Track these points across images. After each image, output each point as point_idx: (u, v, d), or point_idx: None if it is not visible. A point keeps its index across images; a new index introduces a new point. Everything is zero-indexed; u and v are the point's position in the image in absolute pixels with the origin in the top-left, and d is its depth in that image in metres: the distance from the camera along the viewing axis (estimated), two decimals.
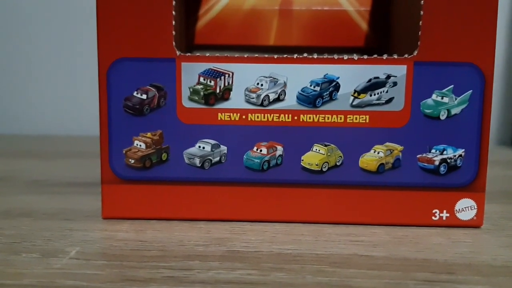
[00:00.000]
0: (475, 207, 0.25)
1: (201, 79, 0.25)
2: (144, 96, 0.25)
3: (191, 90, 0.25)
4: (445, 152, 0.25)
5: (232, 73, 0.25)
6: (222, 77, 0.25)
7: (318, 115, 0.25)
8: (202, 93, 0.25)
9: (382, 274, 0.20)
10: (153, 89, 0.25)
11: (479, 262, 0.21)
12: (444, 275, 0.20)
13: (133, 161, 0.25)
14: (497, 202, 0.30)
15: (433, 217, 0.25)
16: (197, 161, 0.25)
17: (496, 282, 0.19)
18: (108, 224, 0.25)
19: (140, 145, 0.25)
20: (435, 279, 0.19)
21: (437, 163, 0.25)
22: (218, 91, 0.25)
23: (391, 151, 0.25)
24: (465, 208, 0.25)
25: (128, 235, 0.24)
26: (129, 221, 0.26)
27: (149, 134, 0.25)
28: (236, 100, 0.25)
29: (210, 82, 0.25)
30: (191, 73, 0.25)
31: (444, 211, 0.25)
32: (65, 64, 0.60)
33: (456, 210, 0.25)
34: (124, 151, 0.25)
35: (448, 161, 0.25)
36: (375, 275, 0.20)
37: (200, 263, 0.20)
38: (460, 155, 0.25)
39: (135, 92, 0.25)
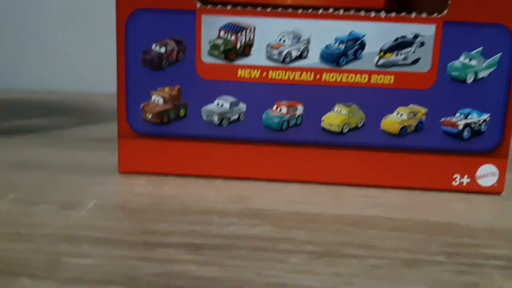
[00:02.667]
0: (497, 174, 0.25)
1: (222, 33, 0.24)
2: (163, 50, 0.24)
3: (211, 44, 0.24)
4: (469, 117, 0.24)
5: (254, 28, 0.24)
6: (243, 32, 0.24)
7: (341, 74, 0.24)
8: (222, 48, 0.24)
9: (404, 236, 0.19)
10: (172, 42, 0.24)
11: (502, 228, 0.21)
12: (467, 239, 0.19)
13: (150, 116, 0.25)
14: None
15: (453, 182, 0.25)
16: (215, 118, 0.25)
17: None
18: (125, 178, 0.25)
19: (158, 100, 0.25)
20: (459, 242, 0.19)
21: (460, 127, 0.24)
22: (238, 46, 0.24)
23: (415, 113, 0.24)
24: (487, 174, 0.25)
25: (146, 189, 0.23)
26: (146, 176, 0.25)
27: (167, 89, 0.25)
28: (257, 56, 0.24)
29: (231, 36, 0.24)
30: (211, 27, 0.24)
31: (465, 176, 0.25)
32: (81, 16, 0.59)
33: (477, 176, 0.25)
34: (141, 106, 0.25)
35: (472, 125, 0.24)
36: (397, 237, 0.19)
37: (219, 218, 0.20)
38: (485, 120, 0.24)
39: (154, 45, 0.24)
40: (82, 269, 0.16)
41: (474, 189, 0.25)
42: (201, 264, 0.16)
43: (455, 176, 0.25)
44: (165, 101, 0.25)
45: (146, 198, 0.22)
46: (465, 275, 0.16)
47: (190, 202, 0.22)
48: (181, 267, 0.16)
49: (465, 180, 0.25)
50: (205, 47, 0.24)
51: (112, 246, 0.17)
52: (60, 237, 0.18)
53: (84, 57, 0.60)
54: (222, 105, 0.25)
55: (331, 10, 0.24)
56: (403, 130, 0.25)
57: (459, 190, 0.25)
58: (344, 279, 0.16)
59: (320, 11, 0.24)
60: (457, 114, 0.24)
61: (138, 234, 0.18)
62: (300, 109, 0.25)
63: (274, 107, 0.25)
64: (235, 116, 0.25)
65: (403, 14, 0.23)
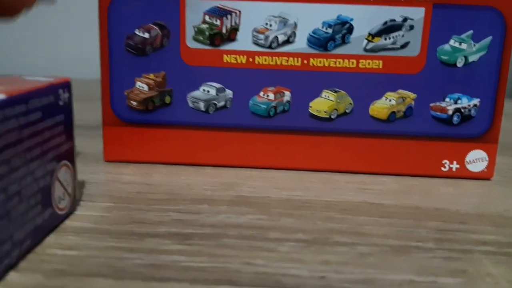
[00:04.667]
0: (487, 159, 0.25)
1: (207, 18, 0.24)
2: (147, 35, 0.24)
3: (195, 29, 0.24)
4: (459, 101, 0.24)
5: (240, 12, 0.24)
6: (229, 16, 0.24)
7: (329, 59, 0.24)
8: (207, 33, 0.24)
9: (393, 222, 0.19)
10: (156, 27, 0.24)
11: (490, 213, 0.21)
12: (456, 225, 0.19)
13: (135, 103, 0.24)
14: (506, 155, 0.29)
15: (442, 168, 0.25)
16: (201, 105, 0.24)
17: (509, 233, 0.19)
18: (112, 167, 0.24)
19: (143, 87, 0.24)
20: (448, 228, 0.19)
21: (450, 112, 0.24)
22: (224, 31, 0.24)
23: (404, 99, 0.24)
24: (476, 159, 0.25)
25: (134, 178, 0.23)
26: (134, 165, 0.25)
27: (151, 76, 0.24)
28: (243, 41, 0.24)
29: (216, 21, 0.24)
30: (196, 11, 0.24)
31: (454, 162, 0.25)
32: (63, 2, 0.58)
33: (467, 161, 0.25)
34: (125, 93, 0.24)
35: (462, 110, 0.24)
36: (386, 223, 0.19)
37: (208, 207, 0.20)
38: (475, 105, 0.24)
39: (137, 30, 0.24)
40: (68, 261, 0.15)
41: (464, 175, 0.25)
42: (190, 254, 0.16)
43: (444, 161, 0.25)
44: (150, 88, 0.24)
45: (135, 186, 0.22)
46: (454, 262, 0.16)
47: (179, 190, 0.22)
48: (169, 257, 0.16)
49: (455, 165, 0.25)
50: (189, 32, 0.24)
51: (99, 236, 0.17)
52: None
53: (67, 43, 0.58)
54: (208, 92, 0.24)
55: None
56: (392, 116, 0.24)
57: (449, 176, 0.25)
58: (333, 268, 0.16)
59: None
60: (447, 99, 0.24)
61: (126, 223, 0.18)
62: (287, 95, 0.24)
63: (261, 93, 0.24)
64: (222, 103, 0.24)
65: None
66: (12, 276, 0.14)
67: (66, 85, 0.17)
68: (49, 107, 0.16)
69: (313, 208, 0.20)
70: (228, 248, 0.17)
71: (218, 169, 0.25)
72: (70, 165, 0.18)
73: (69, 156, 0.18)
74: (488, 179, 0.25)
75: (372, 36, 0.23)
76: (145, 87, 0.24)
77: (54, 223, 0.17)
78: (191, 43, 0.24)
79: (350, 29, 0.23)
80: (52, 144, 0.17)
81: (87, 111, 0.38)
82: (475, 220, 0.20)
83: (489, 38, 0.23)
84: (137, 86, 0.24)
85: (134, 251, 0.16)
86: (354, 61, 0.24)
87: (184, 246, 0.17)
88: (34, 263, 0.15)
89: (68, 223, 0.18)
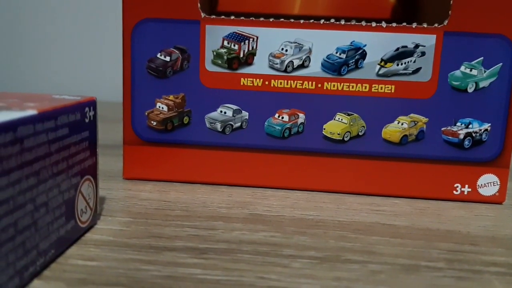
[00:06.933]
0: (498, 183, 0.25)
1: (225, 43, 0.25)
2: (168, 58, 0.25)
3: (214, 53, 0.25)
4: (470, 126, 0.24)
5: (257, 37, 0.25)
6: (246, 41, 0.25)
7: (342, 83, 0.25)
8: (225, 57, 0.25)
9: (405, 243, 0.20)
10: (176, 51, 0.25)
11: (502, 236, 0.21)
12: (467, 246, 0.20)
13: (155, 123, 0.25)
14: None
15: (454, 192, 0.25)
16: (218, 126, 0.25)
17: None
18: (131, 184, 0.25)
19: (162, 108, 0.25)
20: (459, 249, 0.19)
21: (461, 136, 0.24)
22: (241, 55, 0.25)
23: (416, 122, 0.25)
24: (488, 183, 0.25)
25: (152, 195, 0.24)
26: (152, 183, 0.26)
27: (171, 97, 0.25)
28: (260, 65, 0.25)
29: (234, 46, 0.25)
30: (215, 36, 0.25)
31: (466, 185, 0.25)
32: (88, 25, 0.60)
33: (479, 185, 0.25)
34: (146, 113, 0.25)
35: (473, 135, 0.24)
36: (398, 243, 0.20)
37: (223, 223, 0.20)
38: (486, 130, 0.24)
39: (159, 54, 0.25)
40: (89, 271, 0.16)
41: (475, 199, 0.25)
42: (205, 268, 0.17)
43: (456, 185, 0.25)
44: (169, 109, 0.25)
45: (152, 203, 0.23)
46: (464, 281, 0.17)
47: (196, 207, 0.22)
48: (185, 270, 0.16)
49: (466, 189, 0.25)
50: (209, 56, 0.25)
51: (119, 249, 0.18)
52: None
53: (91, 65, 0.60)
54: (225, 113, 0.25)
55: (332, 20, 0.24)
56: (404, 139, 0.25)
57: (460, 199, 0.25)
58: (344, 284, 0.16)
59: (322, 21, 0.24)
60: (458, 124, 0.24)
61: (144, 237, 0.19)
62: (301, 117, 0.25)
63: (276, 115, 0.25)
64: (238, 124, 0.25)
65: (403, 24, 0.24)
66: (36, 283, 0.15)
67: (92, 104, 0.18)
68: (75, 123, 0.17)
69: (325, 227, 0.21)
70: (243, 262, 0.17)
71: (233, 188, 0.25)
72: (93, 180, 0.19)
73: (92, 171, 0.19)
74: (500, 203, 0.25)
75: (385, 61, 0.24)
76: (165, 108, 0.25)
77: (76, 235, 0.18)
78: (209, 67, 0.25)
79: (363, 55, 0.24)
80: (77, 159, 0.17)
81: (103, 130, 0.39)
82: (486, 242, 0.20)
83: (499, 65, 0.24)
84: (157, 107, 0.25)
85: (152, 263, 0.17)
86: (367, 85, 0.24)
87: (200, 260, 0.17)
88: (57, 272, 0.16)
89: (89, 235, 0.19)
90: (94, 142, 0.19)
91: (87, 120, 0.18)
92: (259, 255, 0.18)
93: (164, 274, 0.16)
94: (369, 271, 0.17)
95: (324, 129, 0.25)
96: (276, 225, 0.21)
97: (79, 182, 0.18)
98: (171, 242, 0.18)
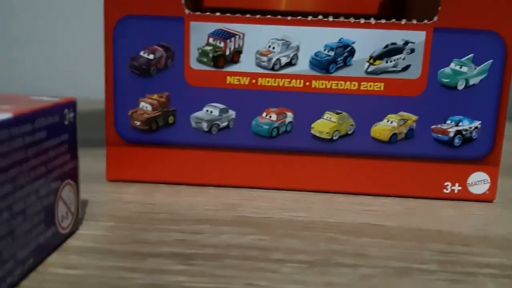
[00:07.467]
0: (489, 181, 0.25)
1: (210, 40, 0.24)
2: (151, 56, 0.24)
3: (199, 51, 0.24)
4: (460, 124, 0.24)
5: (243, 35, 0.24)
6: (233, 39, 0.24)
7: (331, 82, 0.24)
8: (211, 55, 0.24)
9: (396, 244, 0.19)
10: (160, 49, 0.24)
11: (494, 235, 0.21)
12: (460, 247, 0.19)
13: (139, 123, 0.25)
14: (509, 177, 0.29)
15: (444, 190, 0.25)
16: (204, 125, 0.25)
17: None
18: (115, 186, 0.24)
19: (146, 107, 0.24)
20: (451, 251, 0.19)
21: (451, 134, 0.24)
22: (227, 53, 0.24)
23: (405, 120, 0.24)
24: (478, 182, 0.25)
25: (136, 197, 0.23)
26: (136, 184, 0.25)
27: (155, 96, 0.24)
28: (246, 63, 0.24)
29: (220, 43, 0.24)
30: (200, 34, 0.24)
31: (456, 184, 0.25)
32: (68, 22, 0.59)
33: (469, 183, 0.25)
34: (129, 113, 0.25)
35: (463, 133, 0.24)
36: (389, 245, 0.19)
37: (210, 227, 0.20)
38: (476, 127, 0.24)
39: (142, 51, 0.24)
40: (70, 280, 0.15)
41: (466, 197, 0.25)
42: (192, 275, 0.16)
43: (446, 183, 0.25)
44: (153, 108, 0.24)
45: (137, 206, 0.22)
46: (458, 284, 0.16)
47: (181, 210, 0.22)
48: (171, 277, 0.16)
49: (457, 187, 0.25)
50: (194, 54, 0.24)
51: (101, 256, 0.17)
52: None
53: (72, 62, 0.59)
54: (211, 112, 0.25)
55: (320, 17, 0.24)
56: (394, 137, 0.24)
57: (451, 198, 0.25)
58: None
59: (310, 18, 0.24)
60: (448, 121, 0.24)
61: (127, 243, 0.18)
62: (289, 116, 0.25)
63: (264, 114, 0.25)
64: (225, 123, 0.25)
65: (393, 20, 0.23)
66: None
67: (71, 105, 0.18)
68: (54, 126, 0.16)
69: (315, 229, 0.20)
70: (230, 268, 0.17)
71: (220, 189, 0.25)
72: (74, 184, 0.18)
73: (73, 175, 0.18)
74: (490, 201, 0.25)
75: (374, 59, 0.24)
76: (149, 107, 0.24)
77: (56, 242, 0.17)
78: (195, 65, 0.24)
79: (352, 52, 0.24)
80: (56, 163, 0.17)
81: (86, 130, 0.38)
82: (479, 243, 0.20)
83: (490, 62, 0.23)
84: (141, 107, 0.24)
85: (136, 271, 0.16)
86: (356, 83, 0.24)
87: (187, 266, 0.17)
88: (36, 282, 0.15)
89: (70, 242, 0.18)
90: (74, 144, 0.18)
91: (66, 122, 0.17)
92: (248, 260, 0.17)
93: (149, 282, 0.15)
94: (360, 275, 0.17)
95: (313, 128, 0.25)
96: (264, 227, 0.20)
97: (59, 187, 0.17)
98: (156, 248, 0.18)
